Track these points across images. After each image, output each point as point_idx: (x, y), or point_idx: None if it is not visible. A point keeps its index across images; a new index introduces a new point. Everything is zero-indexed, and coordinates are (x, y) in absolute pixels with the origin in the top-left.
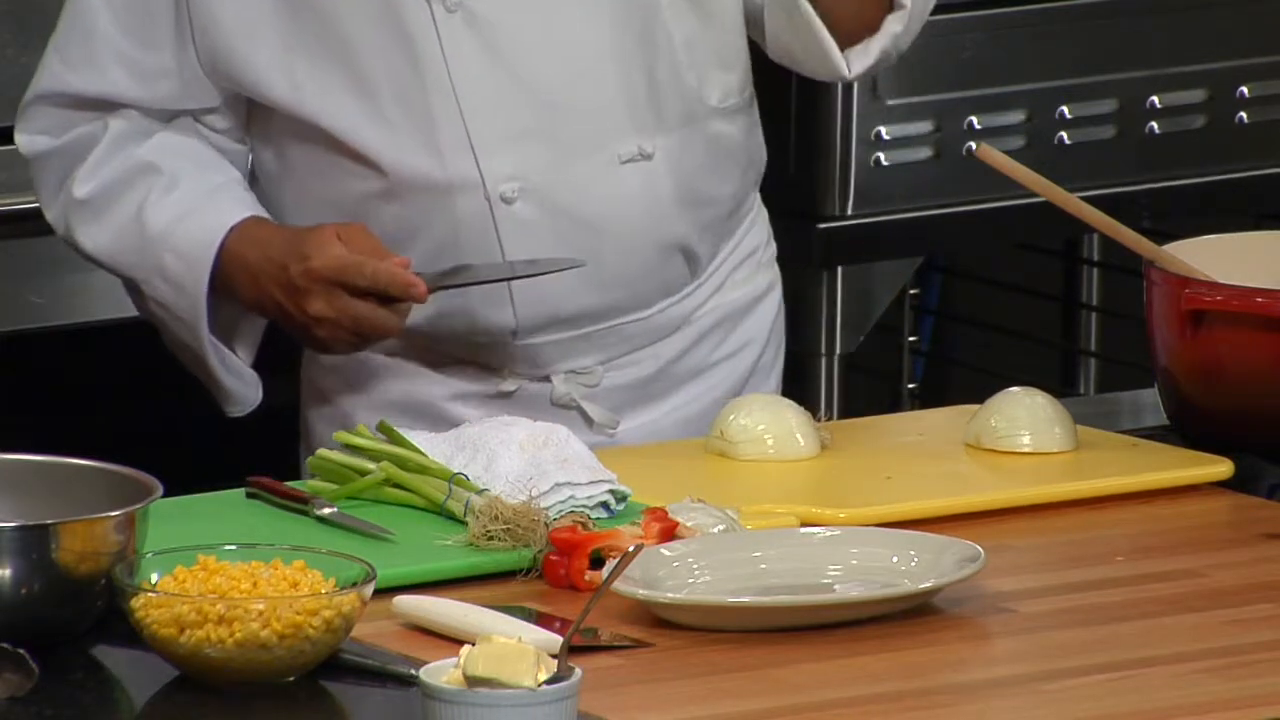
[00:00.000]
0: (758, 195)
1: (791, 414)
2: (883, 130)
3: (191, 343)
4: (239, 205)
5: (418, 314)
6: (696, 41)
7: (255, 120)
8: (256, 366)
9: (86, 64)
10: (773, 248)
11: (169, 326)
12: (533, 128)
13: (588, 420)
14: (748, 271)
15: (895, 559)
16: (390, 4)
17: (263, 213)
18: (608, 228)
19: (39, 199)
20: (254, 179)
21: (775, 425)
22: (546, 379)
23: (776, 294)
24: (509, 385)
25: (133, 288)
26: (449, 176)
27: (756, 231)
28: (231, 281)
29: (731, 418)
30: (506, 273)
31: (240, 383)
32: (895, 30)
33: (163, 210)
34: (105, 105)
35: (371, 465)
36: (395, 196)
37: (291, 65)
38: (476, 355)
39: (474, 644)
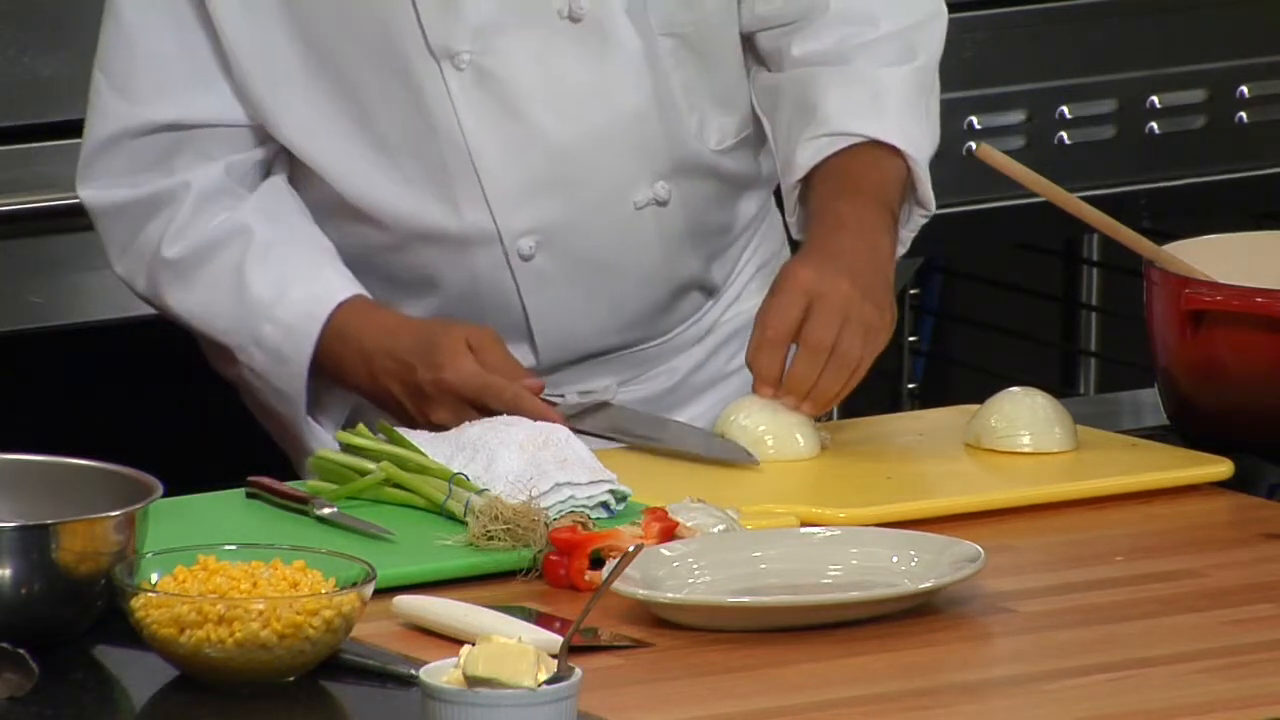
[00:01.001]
0: (771, 202)
1: (791, 414)
2: None
3: (285, 413)
4: (344, 280)
5: None
6: (694, 86)
7: (279, 165)
8: None
9: (156, 92)
10: (786, 254)
11: (260, 395)
12: (547, 181)
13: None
14: (763, 280)
15: (895, 559)
16: (402, 63)
17: (363, 290)
18: (626, 273)
19: (107, 252)
20: None
21: (775, 426)
22: (560, 395)
23: None
24: None
25: (222, 351)
26: (465, 231)
27: (771, 240)
28: (339, 360)
29: (732, 419)
30: (647, 428)
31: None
32: (920, 224)
33: (263, 278)
34: (179, 129)
35: (371, 465)
36: (412, 249)
37: (311, 116)
38: None
39: (474, 644)
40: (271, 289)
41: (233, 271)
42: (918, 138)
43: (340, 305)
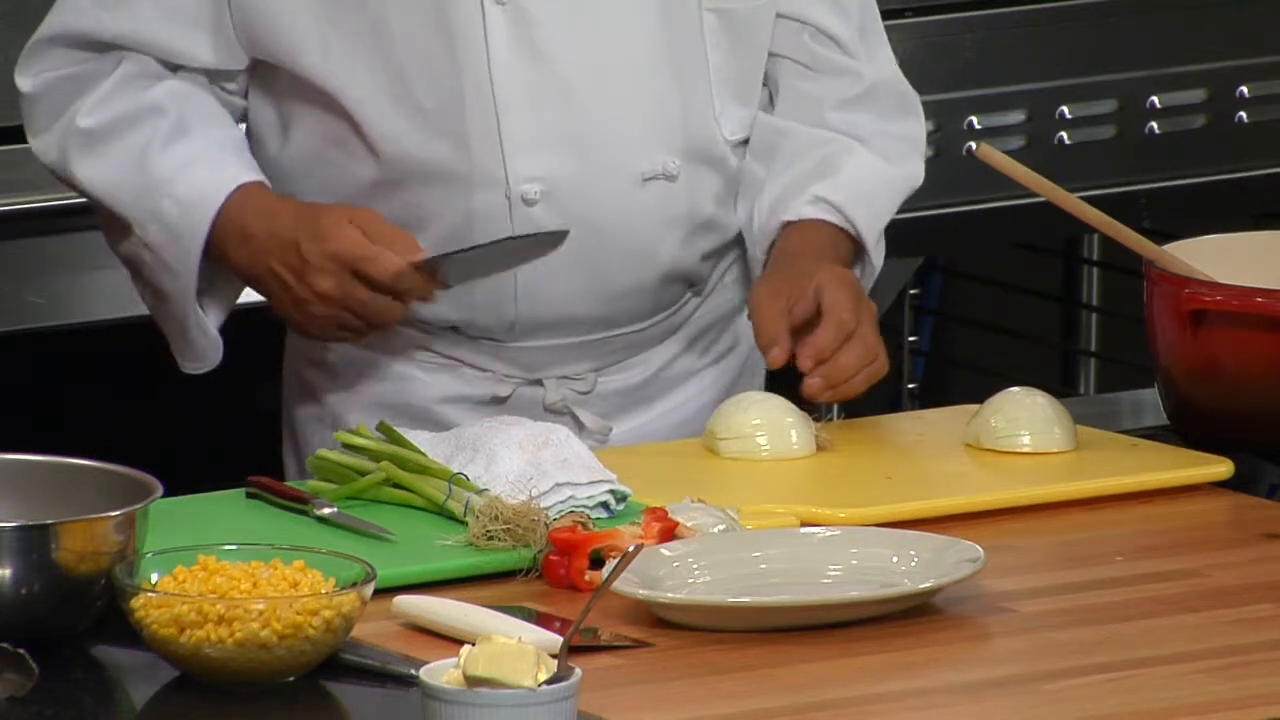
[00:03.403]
0: None
1: (787, 413)
2: None
3: (172, 291)
4: (246, 167)
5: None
6: (724, 70)
7: (272, 89)
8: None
9: (120, 4)
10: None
11: (152, 272)
12: (564, 132)
13: (580, 426)
14: (737, 273)
15: (895, 559)
16: None
17: (264, 178)
18: (620, 244)
19: (29, 128)
20: (258, 145)
21: (770, 423)
22: (539, 383)
23: None
24: (503, 390)
25: (119, 226)
26: (472, 170)
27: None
28: (225, 242)
29: (727, 415)
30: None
31: (205, 341)
32: (877, 265)
33: (169, 156)
34: (126, 49)
35: (371, 465)
36: (409, 187)
37: (327, 38)
38: (468, 356)
39: (474, 644)
40: (174, 169)
41: (141, 148)
42: (882, 251)
43: (238, 188)
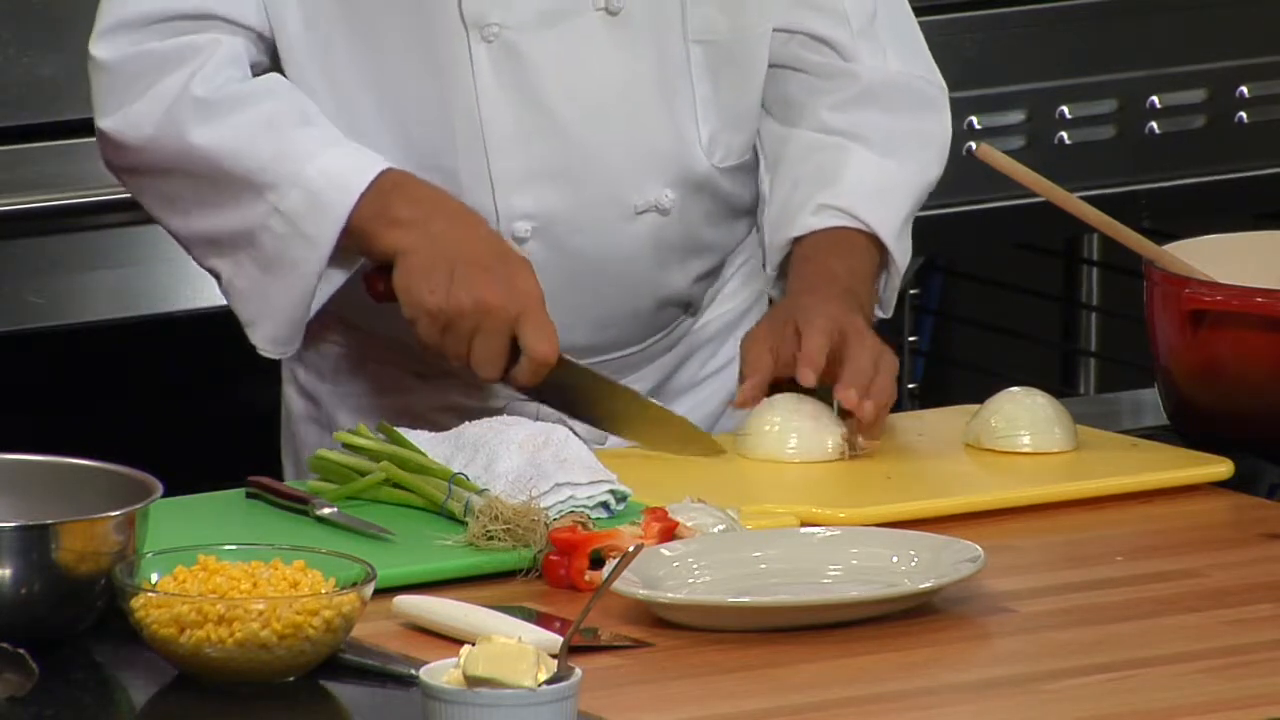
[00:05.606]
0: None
1: (823, 419)
2: None
3: (301, 261)
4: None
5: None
6: (713, 98)
7: None
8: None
9: None
10: (759, 255)
11: (277, 241)
12: (554, 169)
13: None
14: (737, 284)
15: (895, 559)
16: (431, 27)
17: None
18: (614, 276)
19: (103, 105)
20: None
21: (804, 428)
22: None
23: (763, 304)
24: (499, 401)
25: (237, 190)
26: None
27: (746, 244)
28: (377, 214)
29: (760, 419)
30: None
31: (301, 321)
32: (897, 285)
33: (305, 133)
34: (221, 19)
35: (371, 465)
36: None
37: (330, 69)
38: (465, 374)
39: (474, 644)
40: (315, 144)
41: (272, 118)
42: (907, 247)
43: (388, 168)
